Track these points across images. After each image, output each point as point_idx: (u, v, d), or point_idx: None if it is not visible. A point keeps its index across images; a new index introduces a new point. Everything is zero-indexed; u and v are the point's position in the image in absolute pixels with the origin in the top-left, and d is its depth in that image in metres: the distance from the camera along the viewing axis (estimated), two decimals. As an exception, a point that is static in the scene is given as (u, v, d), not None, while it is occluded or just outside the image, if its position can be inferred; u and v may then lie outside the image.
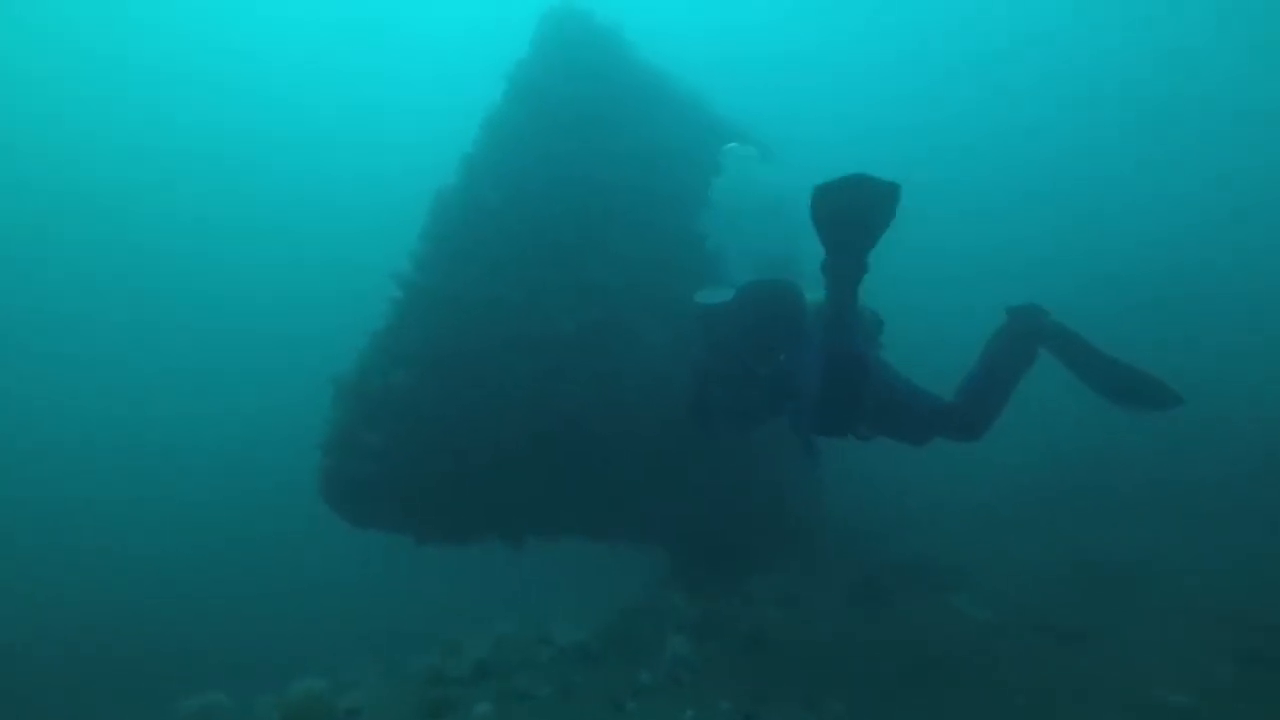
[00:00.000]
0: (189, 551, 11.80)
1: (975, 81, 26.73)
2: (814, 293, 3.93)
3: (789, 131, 9.37)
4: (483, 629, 5.71)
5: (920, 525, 8.41)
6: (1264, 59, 23.17)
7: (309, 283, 23.79)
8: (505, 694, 4.03)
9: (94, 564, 11.78)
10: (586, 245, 6.15)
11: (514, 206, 5.92)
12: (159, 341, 24.01)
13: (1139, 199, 21.15)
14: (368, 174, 27.49)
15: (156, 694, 4.72)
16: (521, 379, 5.50)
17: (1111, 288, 13.74)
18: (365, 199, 25.16)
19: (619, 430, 5.68)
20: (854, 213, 3.08)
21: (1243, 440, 8.77)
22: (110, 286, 26.20)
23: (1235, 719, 3.51)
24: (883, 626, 5.52)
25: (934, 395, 3.54)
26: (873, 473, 8.80)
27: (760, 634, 5.11)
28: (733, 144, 4.02)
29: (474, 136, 6.06)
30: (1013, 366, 3.43)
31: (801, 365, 3.73)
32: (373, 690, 4.26)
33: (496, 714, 3.79)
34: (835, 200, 3.07)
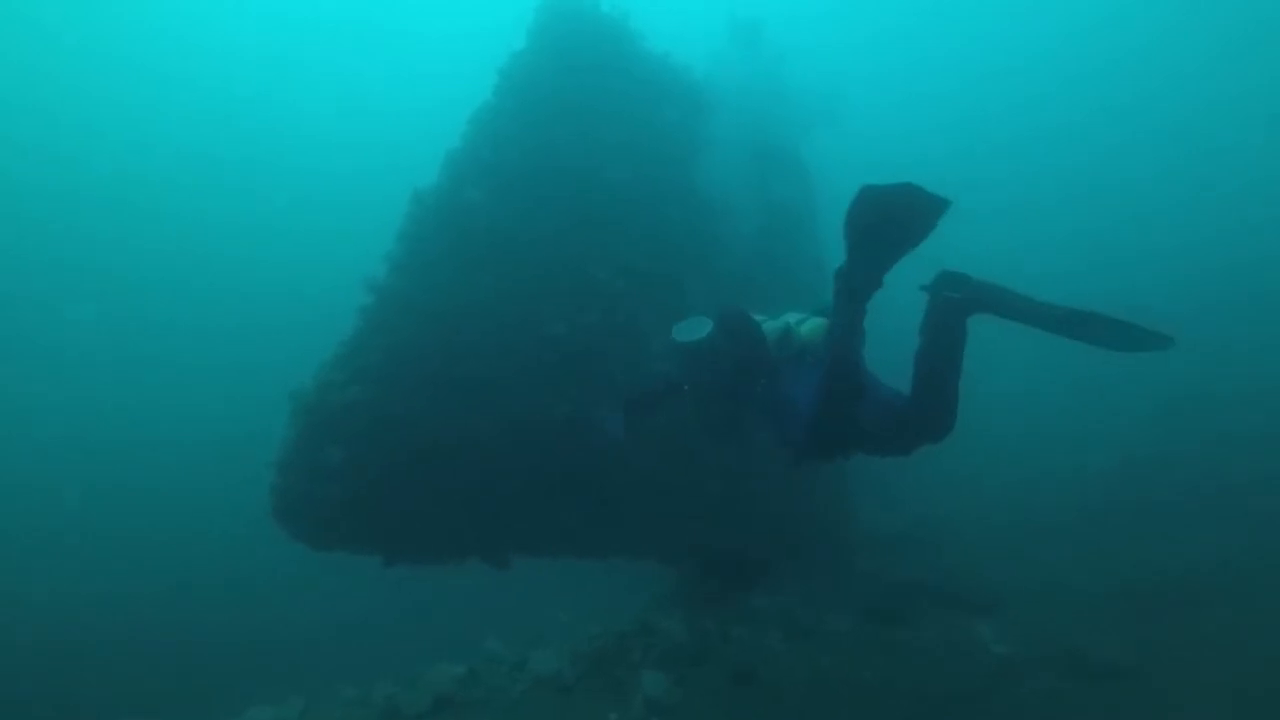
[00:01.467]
0: (174, 555, 11.81)
1: (1010, 84, 25.60)
2: (771, 314, 3.57)
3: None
4: (466, 647, 5.47)
5: (945, 540, 7.87)
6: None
7: (289, 281, 23.15)
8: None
9: (72, 570, 11.85)
10: (583, 244, 5.85)
11: (504, 205, 5.64)
12: (135, 340, 23.78)
13: (1180, 203, 20.03)
14: (345, 173, 26.88)
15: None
16: (509, 385, 5.22)
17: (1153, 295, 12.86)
18: (342, 198, 24.63)
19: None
20: (895, 224, 2.74)
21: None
22: (99, 288, 25.65)
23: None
24: (892, 659, 5.10)
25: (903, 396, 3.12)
26: (895, 483, 8.30)
27: (753, 667, 4.73)
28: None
29: (461, 132, 5.78)
30: (947, 348, 2.94)
31: (784, 390, 3.39)
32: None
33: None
34: (881, 206, 2.71)
